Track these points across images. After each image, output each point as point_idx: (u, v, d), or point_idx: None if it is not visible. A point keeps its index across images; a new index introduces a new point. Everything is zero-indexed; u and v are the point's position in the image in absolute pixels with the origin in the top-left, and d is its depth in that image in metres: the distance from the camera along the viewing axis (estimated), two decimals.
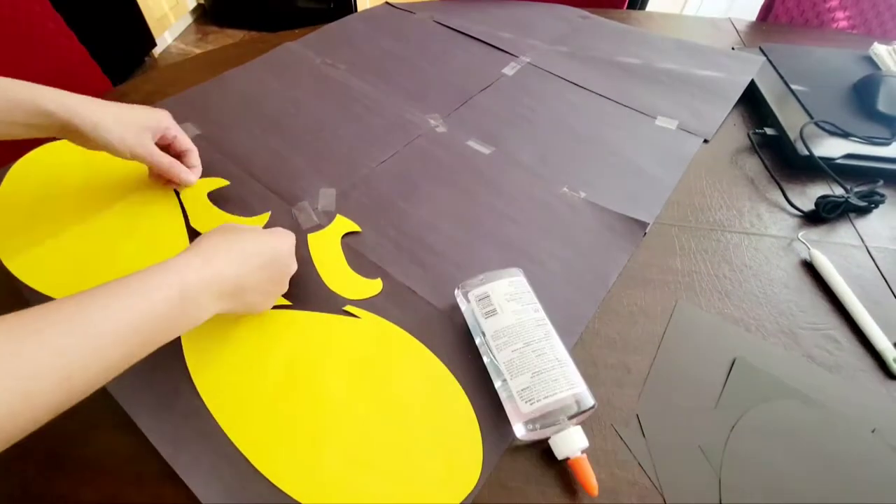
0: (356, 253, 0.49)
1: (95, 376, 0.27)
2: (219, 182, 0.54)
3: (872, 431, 0.39)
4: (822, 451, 0.38)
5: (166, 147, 0.51)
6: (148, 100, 0.65)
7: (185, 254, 0.34)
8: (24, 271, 0.45)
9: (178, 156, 0.52)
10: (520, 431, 0.36)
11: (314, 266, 0.47)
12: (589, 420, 0.39)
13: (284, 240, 0.41)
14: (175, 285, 0.31)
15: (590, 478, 0.35)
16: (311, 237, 0.49)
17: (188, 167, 0.52)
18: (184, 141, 0.51)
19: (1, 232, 0.48)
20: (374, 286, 0.46)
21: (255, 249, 0.37)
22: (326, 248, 0.49)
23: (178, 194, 0.52)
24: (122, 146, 0.45)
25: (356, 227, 0.51)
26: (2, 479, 0.35)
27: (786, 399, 0.41)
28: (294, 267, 0.42)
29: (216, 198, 0.53)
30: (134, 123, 0.46)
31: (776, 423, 0.39)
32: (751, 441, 0.38)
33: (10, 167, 0.54)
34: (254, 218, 0.51)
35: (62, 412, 0.25)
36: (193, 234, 0.49)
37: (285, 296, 0.44)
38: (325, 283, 0.46)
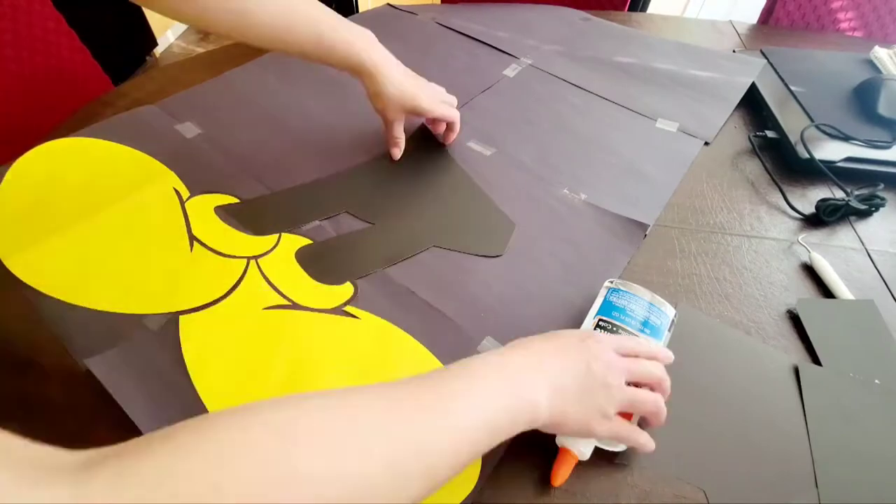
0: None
1: (449, 466, 0.26)
2: (227, 198, 0.53)
3: None
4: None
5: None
6: (149, 99, 0.65)
7: (511, 358, 0.31)
8: (24, 270, 0.45)
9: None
10: None
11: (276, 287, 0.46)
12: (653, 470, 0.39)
13: (602, 353, 0.33)
14: (512, 384, 0.29)
15: (559, 471, 0.35)
16: (261, 261, 0.48)
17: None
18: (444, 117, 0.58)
19: (0, 230, 0.48)
20: (344, 291, 0.46)
21: (574, 352, 0.32)
22: (282, 268, 0.47)
23: (180, 198, 0.52)
24: (385, 112, 0.55)
25: (307, 241, 0.50)
26: None
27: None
28: (617, 380, 0.32)
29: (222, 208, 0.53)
30: (404, 101, 0.54)
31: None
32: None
33: (10, 166, 0.54)
34: (262, 238, 0.50)
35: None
36: (194, 240, 0.49)
37: (285, 296, 0.44)
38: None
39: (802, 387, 0.42)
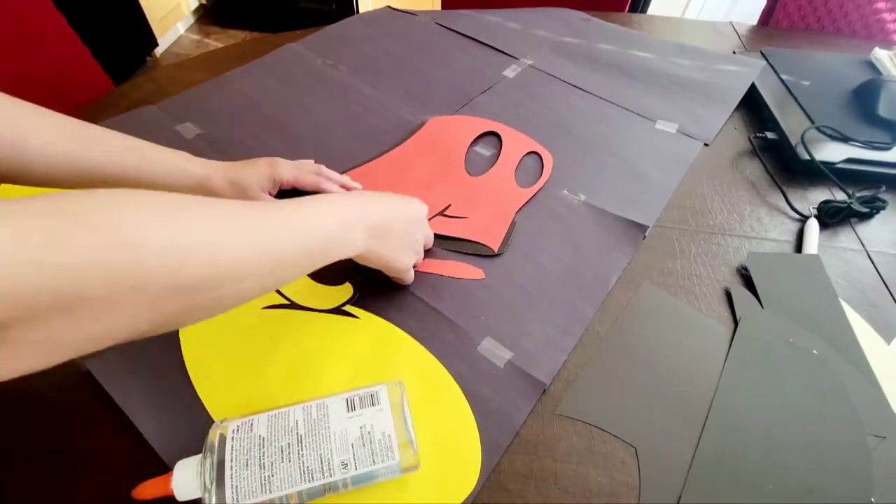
0: None
1: (280, 266, 0.32)
2: None
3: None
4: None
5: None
6: (149, 99, 0.65)
7: (341, 196, 0.40)
8: None
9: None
10: None
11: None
12: (589, 423, 0.39)
13: (421, 205, 0.46)
14: (341, 217, 0.36)
15: (147, 487, 0.32)
16: None
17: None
18: (308, 181, 0.51)
19: None
20: (343, 291, 0.46)
21: (398, 203, 0.43)
22: None
23: None
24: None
25: None
26: (3, 477, 0.35)
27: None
28: (430, 234, 0.47)
29: None
30: (253, 185, 0.48)
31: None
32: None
33: None
34: None
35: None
36: None
37: (285, 295, 0.44)
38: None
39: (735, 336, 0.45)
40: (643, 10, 1.51)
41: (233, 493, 0.30)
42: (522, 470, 0.37)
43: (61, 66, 0.75)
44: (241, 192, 0.47)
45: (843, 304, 0.48)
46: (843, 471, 0.37)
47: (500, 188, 0.57)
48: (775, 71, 0.78)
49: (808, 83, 0.74)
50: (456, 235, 0.51)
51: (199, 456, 0.32)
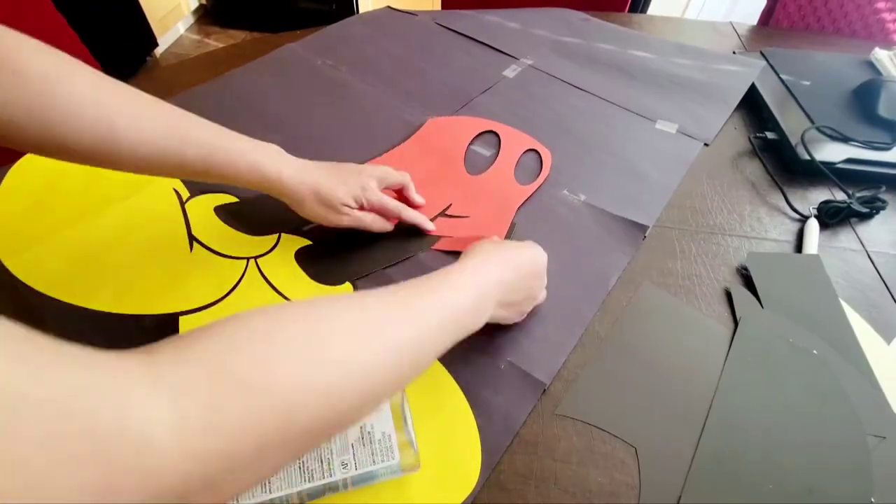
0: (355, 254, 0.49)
1: (418, 360, 0.30)
2: (227, 198, 0.53)
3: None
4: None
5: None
6: None
7: (480, 262, 0.36)
8: (24, 271, 0.45)
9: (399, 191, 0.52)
10: None
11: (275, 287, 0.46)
12: (589, 423, 0.39)
13: (542, 253, 0.43)
14: (476, 289, 0.34)
15: None
16: (261, 261, 0.48)
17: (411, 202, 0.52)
18: (389, 210, 0.49)
19: (0, 231, 0.48)
20: (343, 292, 0.46)
21: (527, 261, 0.40)
22: (281, 269, 0.47)
23: (180, 198, 0.52)
24: (324, 221, 0.47)
25: (306, 242, 0.50)
26: None
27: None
28: (545, 281, 0.43)
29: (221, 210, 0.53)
30: (340, 204, 0.46)
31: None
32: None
33: (10, 167, 0.54)
34: (261, 238, 0.50)
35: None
36: (193, 240, 0.49)
37: (285, 296, 0.44)
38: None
39: (735, 337, 0.45)
40: (643, 10, 1.51)
41: None
42: (522, 470, 0.37)
43: None
44: (326, 206, 0.46)
45: (843, 304, 0.48)
46: (843, 471, 0.37)
47: (500, 186, 0.57)
48: (775, 71, 0.78)
49: (808, 83, 0.74)
50: (459, 235, 0.51)
51: None
